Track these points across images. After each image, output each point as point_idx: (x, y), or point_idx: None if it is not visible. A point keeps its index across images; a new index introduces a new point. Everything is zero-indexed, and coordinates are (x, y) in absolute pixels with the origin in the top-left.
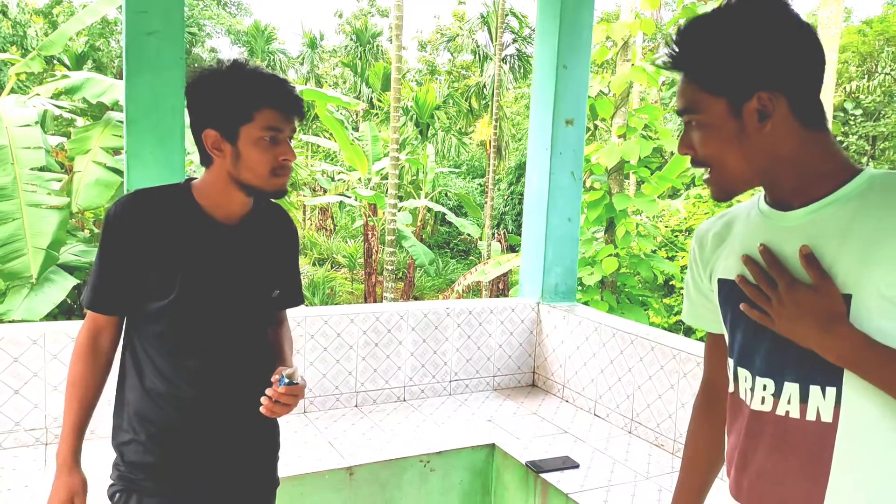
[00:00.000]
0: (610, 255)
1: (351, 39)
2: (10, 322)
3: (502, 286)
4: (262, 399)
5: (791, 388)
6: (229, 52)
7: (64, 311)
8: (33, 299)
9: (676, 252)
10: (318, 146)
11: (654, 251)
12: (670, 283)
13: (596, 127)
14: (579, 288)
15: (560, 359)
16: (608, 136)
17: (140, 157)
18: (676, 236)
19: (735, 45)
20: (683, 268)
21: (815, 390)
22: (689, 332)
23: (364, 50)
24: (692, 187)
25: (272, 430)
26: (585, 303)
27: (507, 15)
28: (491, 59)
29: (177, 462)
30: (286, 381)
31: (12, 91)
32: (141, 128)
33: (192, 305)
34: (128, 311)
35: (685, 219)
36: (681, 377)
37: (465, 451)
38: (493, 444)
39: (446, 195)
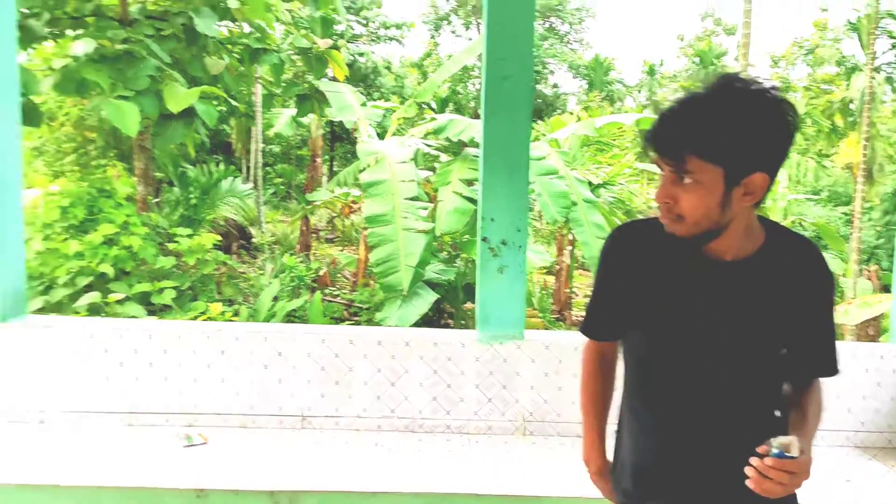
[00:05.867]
0: None
1: (693, 62)
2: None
3: (873, 332)
4: (748, 470)
5: None
6: (570, 85)
7: (426, 322)
8: (404, 309)
9: None
10: (654, 174)
11: None
12: None
13: None
14: None
15: None
16: None
17: (493, 189)
18: None
19: None
20: None
21: None
22: None
23: (707, 72)
24: None
25: None
26: None
27: (881, 18)
28: (861, 69)
29: None
30: (776, 451)
31: (394, 134)
32: (494, 163)
33: (664, 342)
34: (619, 338)
35: None
36: None
37: None
38: None
39: (801, 224)
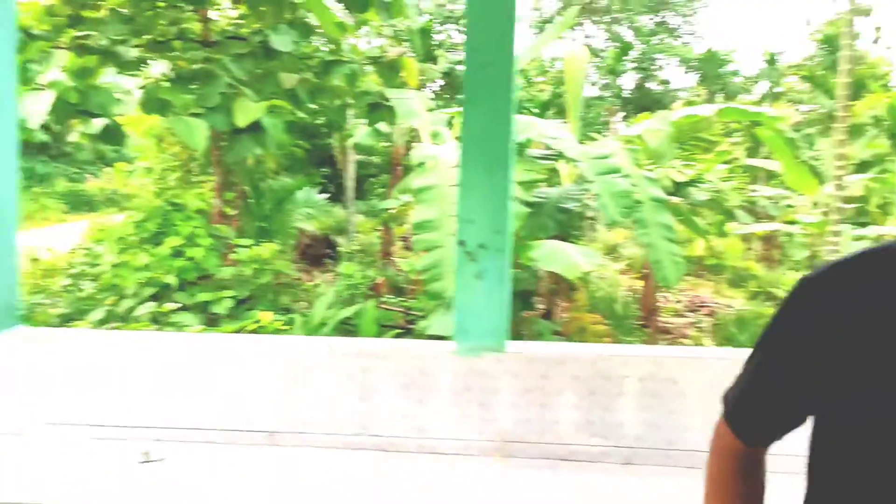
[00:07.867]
0: None
1: (823, 49)
2: None
3: None
4: None
5: None
6: (683, 81)
7: None
8: (449, 317)
9: None
10: (764, 169)
11: None
12: None
13: None
14: None
15: None
16: None
17: (471, 188)
18: None
19: None
20: None
21: None
22: None
23: (835, 58)
24: None
25: None
26: None
27: None
28: None
29: None
30: None
31: (457, 138)
32: (472, 158)
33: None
34: (779, 439)
35: None
36: None
37: None
38: None
39: None
